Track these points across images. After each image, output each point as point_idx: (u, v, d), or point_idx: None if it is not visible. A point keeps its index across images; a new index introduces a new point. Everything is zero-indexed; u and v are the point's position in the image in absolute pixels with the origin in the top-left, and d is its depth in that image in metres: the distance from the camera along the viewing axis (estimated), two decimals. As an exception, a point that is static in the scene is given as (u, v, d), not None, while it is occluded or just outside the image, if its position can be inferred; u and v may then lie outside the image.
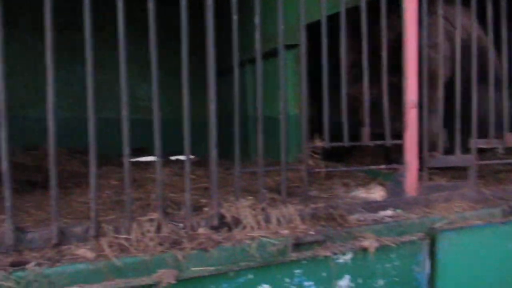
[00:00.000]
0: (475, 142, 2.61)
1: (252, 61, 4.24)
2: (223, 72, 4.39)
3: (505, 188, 2.73)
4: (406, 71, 2.33)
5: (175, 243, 1.70)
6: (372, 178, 2.73)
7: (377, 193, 2.36)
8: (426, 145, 2.44)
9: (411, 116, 2.34)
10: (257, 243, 1.79)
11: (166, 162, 4.48)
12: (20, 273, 1.41)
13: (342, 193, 2.53)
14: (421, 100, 2.40)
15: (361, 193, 2.41)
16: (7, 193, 1.51)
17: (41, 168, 2.70)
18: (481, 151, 3.09)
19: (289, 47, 3.67)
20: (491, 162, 2.72)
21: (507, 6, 2.72)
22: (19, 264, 1.45)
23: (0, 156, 1.51)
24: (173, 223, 1.78)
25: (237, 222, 1.87)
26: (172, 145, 4.41)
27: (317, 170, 2.15)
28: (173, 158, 5.33)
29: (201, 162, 4.19)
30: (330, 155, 3.49)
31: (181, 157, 5.47)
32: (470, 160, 2.59)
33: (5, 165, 1.50)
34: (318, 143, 2.13)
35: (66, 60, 5.25)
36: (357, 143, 2.23)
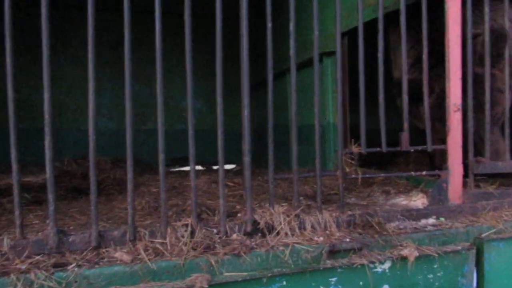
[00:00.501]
0: (527, 147, 2.45)
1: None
2: (265, 81, 4.44)
3: None
4: (448, 74, 2.24)
5: (209, 248, 1.71)
6: (414, 185, 2.62)
7: (418, 201, 2.27)
8: (472, 150, 2.33)
9: (455, 119, 2.24)
10: (291, 250, 1.77)
11: (207, 171, 4.58)
12: (61, 274, 1.48)
13: (382, 200, 2.45)
14: (466, 103, 2.30)
15: (402, 201, 2.33)
16: (50, 197, 1.59)
17: (87, 176, 2.83)
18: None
19: (329, 54, 3.65)
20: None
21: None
22: (60, 266, 1.52)
23: (45, 163, 1.60)
24: (207, 228, 1.80)
25: (271, 228, 1.86)
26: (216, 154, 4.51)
27: (353, 176, 2.10)
28: (216, 167, 5.42)
29: (242, 171, 4.22)
30: (373, 162, 3.42)
31: (230, 166, 5.56)
32: (521, 166, 2.43)
33: (49, 172, 1.58)
34: (355, 149, 2.09)
35: (116, 75, 5.53)
36: (395, 148, 2.16)
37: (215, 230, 1.81)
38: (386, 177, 2.83)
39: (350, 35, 3.41)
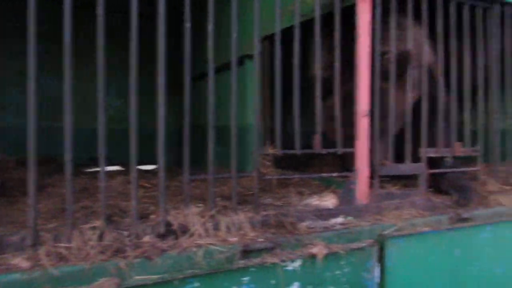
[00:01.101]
0: (425, 151, 2.69)
1: (217, 70, 4.24)
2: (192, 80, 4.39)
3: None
4: (358, 81, 2.39)
5: (118, 251, 1.66)
6: (326, 186, 2.76)
7: (329, 201, 2.39)
8: (377, 154, 2.50)
9: (362, 125, 2.39)
10: (204, 251, 1.77)
11: (127, 171, 4.40)
12: None
13: (296, 201, 2.54)
14: (373, 109, 2.46)
15: (314, 201, 2.44)
16: None
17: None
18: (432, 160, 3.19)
19: (251, 56, 3.70)
20: (440, 171, 2.80)
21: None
22: None
23: None
24: (118, 231, 1.74)
25: (184, 229, 1.85)
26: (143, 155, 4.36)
27: (268, 177, 2.15)
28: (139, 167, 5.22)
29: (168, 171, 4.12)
30: (291, 164, 3.53)
31: (151, 167, 5.38)
32: (420, 168, 2.66)
33: None
34: (270, 150, 2.15)
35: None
36: (309, 150, 2.25)
37: (126, 233, 1.75)
38: (301, 178, 2.93)
39: (271, 39, 3.49)
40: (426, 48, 2.73)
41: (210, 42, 2.02)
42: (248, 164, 3.66)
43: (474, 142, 2.98)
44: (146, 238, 1.77)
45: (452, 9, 2.81)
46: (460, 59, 2.90)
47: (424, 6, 2.66)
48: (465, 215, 2.64)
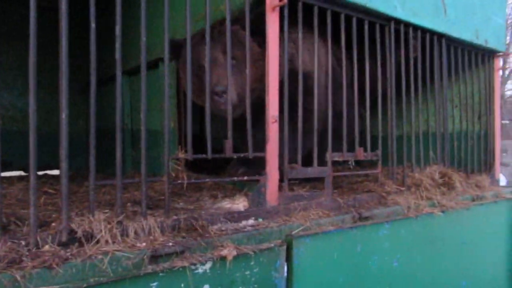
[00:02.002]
0: (331, 155, 2.88)
1: (128, 73, 4.14)
2: (110, 79, 4.21)
3: (357, 196, 3.04)
4: (267, 88, 2.49)
5: (14, 262, 1.55)
6: (240, 189, 2.82)
7: (240, 204, 2.45)
8: (287, 158, 2.62)
9: (272, 130, 2.50)
10: (110, 258, 1.73)
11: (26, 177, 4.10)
12: None
13: (209, 204, 2.57)
14: (282, 115, 2.58)
15: (227, 204, 2.48)
16: None
17: None
18: (338, 163, 3.41)
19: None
20: (344, 174, 3.01)
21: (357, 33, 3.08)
22: None
23: None
24: (14, 240, 1.63)
25: (90, 237, 1.79)
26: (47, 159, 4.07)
27: (179, 182, 2.16)
28: (47, 172, 4.88)
29: (74, 176, 3.92)
30: (208, 168, 3.55)
31: (54, 172, 5.06)
32: (326, 171, 2.84)
33: None
34: (181, 154, 2.15)
35: None
36: (220, 155, 2.29)
37: (23, 242, 1.65)
38: (216, 182, 2.97)
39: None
40: (330, 61, 2.93)
41: (117, 44, 1.98)
42: (163, 167, 3.62)
43: (374, 147, 3.24)
44: (47, 247, 1.68)
45: (354, 25, 3.04)
46: (363, 71, 3.15)
47: (329, 20, 2.85)
48: (366, 214, 2.87)
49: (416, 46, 3.56)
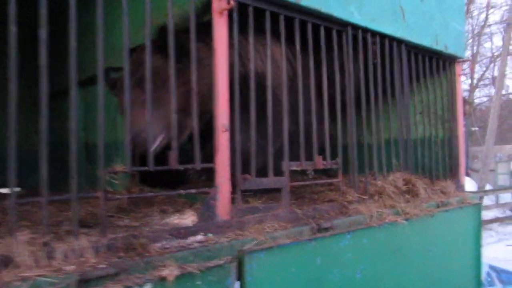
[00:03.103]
0: (287, 165, 2.76)
1: (81, 84, 3.95)
2: (64, 91, 4.01)
3: (316, 207, 2.93)
4: (217, 95, 2.36)
5: None
6: (192, 203, 2.68)
7: (189, 218, 2.30)
8: (239, 168, 2.49)
9: (222, 139, 2.37)
10: (31, 284, 1.55)
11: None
12: None
13: (157, 220, 2.41)
14: (233, 124, 2.46)
15: (175, 219, 2.33)
16: None
17: None
18: (297, 173, 3.30)
19: (118, 69, 3.51)
20: (301, 183, 2.90)
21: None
22: None
23: None
24: None
25: (9, 261, 1.60)
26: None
27: (117, 197, 2.00)
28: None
29: (24, 195, 3.68)
30: (165, 182, 3.38)
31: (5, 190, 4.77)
32: (282, 181, 2.72)
33: None
34: (119, 168, 2.00)
35: None
36: (163, 167, 2.15)
37: None
38: (167, 195, 2.82)
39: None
40: (285, 67, 2.83)
41: (72, 57, 1.83)
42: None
43: (334, 155, 3.15)
44: (-47, 275, 1.49)
45: (309, 30, 2.97)
46: (320, 77, 3.07)
47: (282, 26, 2.76)
48: (325, 224, 2.76)
49: (375, 52, 3.51)
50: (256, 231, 2.42)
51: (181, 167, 2.22)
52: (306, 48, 2.99)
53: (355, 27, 3.28)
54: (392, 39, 3.65)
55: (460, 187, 4.46)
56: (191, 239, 2.19)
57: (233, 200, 2.45)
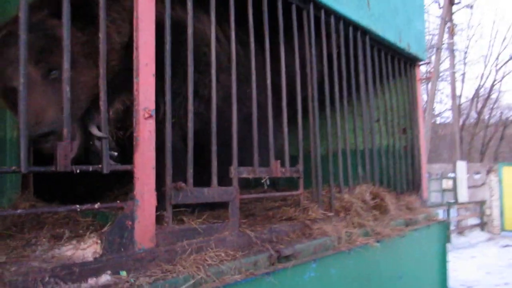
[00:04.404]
0: (236, 171, 2.06)
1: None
2: None
3: (273, 227, 2.24)
4: (136, 69, 1.62)
5: None
6: (102, 223, 1.87)
7: (89, 248, 1.50)
8: (170, 172, 1.74)
9: (145, 129, 1.62)
10: None
11: None
12: None
13: (43, 250, 1.58)
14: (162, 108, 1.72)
15: (69, 249, 1.52)
16: None
17: None
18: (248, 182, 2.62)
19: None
20: (255, 196, 2.21)
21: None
22: None
23: None
24: None
25: None
26: None
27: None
28: None
29: None
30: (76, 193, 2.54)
31: None
32: (230, 193, 2.00)
33: None
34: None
35: None
36: (37, 169, 1.35)
37: None
38: (68, 213, 1.99)
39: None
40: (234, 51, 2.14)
41: None
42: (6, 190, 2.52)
43: (294, 162, 2.50)
44: None
45: (265, 4, 2.33)
46: (277, 63, 2.43)
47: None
48: (287, 251, 2.07)
49: (338, 39, 2.96)
50: (193, 264, 1.67)
51: (77, 170, 1.42)
52: (261, 26, 2.35)
53: (317, 6, 2.70)
54: (356, 27, 3.12)
55: (423, 202, 4.00)
56: (92, 281, 1.40)
57: (159, 220, 1.70)
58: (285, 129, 2.43)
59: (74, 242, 1.63)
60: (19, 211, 1.38)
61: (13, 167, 1.28)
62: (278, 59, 2.41)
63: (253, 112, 2.20)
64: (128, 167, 1.58)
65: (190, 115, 1.83)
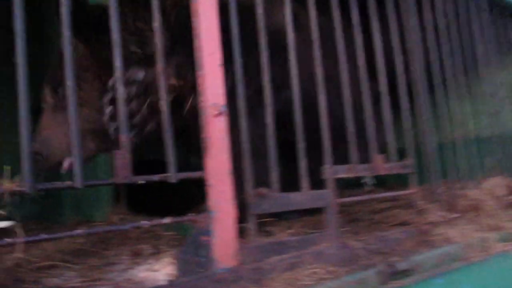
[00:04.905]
0: (332, 170, 1.73)
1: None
2: None
3: (383, 235, 1.86)
4: (200, 60, 1.40)
5: None
6: (183, 237, 1.70)
7: (163, 270, 1.31)
8: (250, 178, 1.49)
9: (215, 129, 1.39)
10: None
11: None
12: None
13: (121, 271, 1.44)
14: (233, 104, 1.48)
15: (141, 271, 1.36)
16: None
17: None
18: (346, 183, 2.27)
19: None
20: (357, 199, 1.86)
21: None
22: None
23: None
24: None
25: None
26: None
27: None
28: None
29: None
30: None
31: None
32: (326, 197, 1.68)
33: None
34: (7, 185, 1.05)
35: None
36: (95, 182, 1.19)
37: None
38: (150, 227, 1.85)
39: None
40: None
41: None
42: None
43: (401, 155, 2.08)
44: None
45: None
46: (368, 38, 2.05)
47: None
48: (402, 265, 1.68)
49: (445, 4, 2.46)
50: (285, 285, 1.39)
51: (141, 180, 1.24)
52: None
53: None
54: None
55: None
56: (162, 310, 1.20)
57: (242, 233, 1.45)
58: (388, 116, 2.02)
59: (151, 261, 1.47)
60: (75, 232, 1.23)
61: (68, 182, 1.14)
62: (369, 34, 2.03)
63: (345, 96, 1.85)
64: (199, 173, 1.36)
65: (269, 109, 1.57)
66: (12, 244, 1.06)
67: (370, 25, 2.01)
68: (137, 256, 1.61)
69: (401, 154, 2.09)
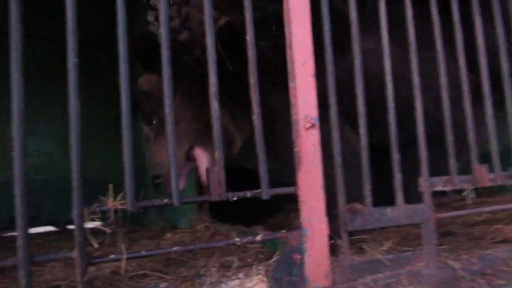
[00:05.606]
0: (429, 182, 1.60)
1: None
2: None
3: (485, 253, 1.69)
4: (292, 67, 1.35)
5: None
6: (271, 252, 1.66)
7: (256, 287, 1.29)
8: (342, 192, 1.42)
9: (306, 142, 1.33)
10: None
11: (61, 232, 3.36)
12: None
13: (213, 283, 1.44)
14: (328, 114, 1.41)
15: (235, 286, 1.34)
16: None
17: None
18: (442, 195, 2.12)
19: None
20: (455, 214, 1.70)
21: None
22: None
23: None
24: None
25: None
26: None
27: (98, 260, 1.07)
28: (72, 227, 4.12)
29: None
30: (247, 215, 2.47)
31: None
32: (422, 213, 1.56)
33: None
34: (110, 203, 1.07)
35: None
36: (193, 199, 1.18)
37: None
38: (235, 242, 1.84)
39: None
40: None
41: None
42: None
43: (505, 163, 1.88)
44: None
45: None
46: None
47: None
48: (510, 289, 1.51)
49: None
50: (382, 308, 1.31)
51: (228, 197, 1.22)
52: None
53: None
54: None
55: None
56: (257, 332, 1.17)
57: (334, 250, 1.39)
58: (491, 119, 1.82)
59: (241, 275, 1.45)
60: (173, 249, 1.24)
61: (166, 200, 1.14)
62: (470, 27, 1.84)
63: (443, 99, 1.70)
64: (291, 189, 1.32)
65: (362, 120, 1.47)
66: (115, 260, 1.09)
67: (471, 20, 1.83)
68: (226, 269, 1.60)
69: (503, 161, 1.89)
